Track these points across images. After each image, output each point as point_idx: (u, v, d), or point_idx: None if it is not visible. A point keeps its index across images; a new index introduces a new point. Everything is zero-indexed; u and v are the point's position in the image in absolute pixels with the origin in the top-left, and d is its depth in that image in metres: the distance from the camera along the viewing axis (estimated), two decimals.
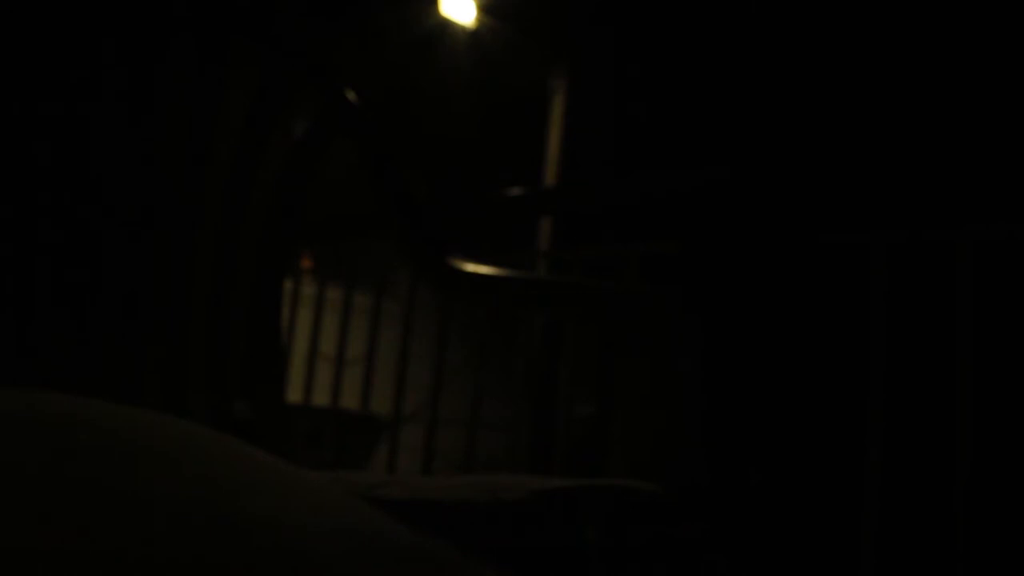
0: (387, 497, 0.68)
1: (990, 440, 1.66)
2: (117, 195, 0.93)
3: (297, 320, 2.40)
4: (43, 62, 0.89)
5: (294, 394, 2.29)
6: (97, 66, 0.92)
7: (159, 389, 0.93)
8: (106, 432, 0.31)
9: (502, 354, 3.09)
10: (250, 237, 1.03)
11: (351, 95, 1.13)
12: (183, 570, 0.24)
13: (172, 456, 0.31)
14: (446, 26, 4.51)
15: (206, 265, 0.99)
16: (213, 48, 1.01)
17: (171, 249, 0.96)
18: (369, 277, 2.40)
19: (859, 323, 1.75)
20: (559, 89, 4.16)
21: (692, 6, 4.40)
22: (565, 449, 2.13)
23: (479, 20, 4.45)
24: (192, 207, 0.98)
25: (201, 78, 0.99)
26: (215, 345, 0.98)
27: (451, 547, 0.32)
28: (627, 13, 4.58)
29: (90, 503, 0.26)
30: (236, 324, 1.01)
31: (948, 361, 1.62)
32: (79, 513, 0.25)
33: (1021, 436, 1.97)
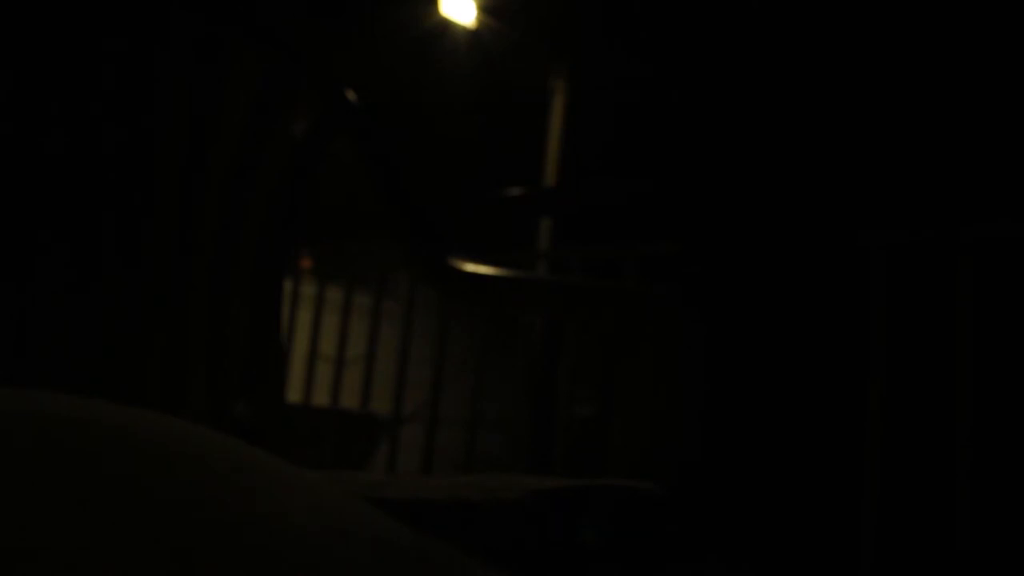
0: (387, 497, 0.68)
1: (990, 439, 1.66)
2: (116, 195, 0.93)
3: (297, 320, 2.41)
4: (43, 63, 0.89)
5: (294, 394, 2.29)
6: (97, 65, 0.92)
7: (159, 389, 0.93)
8: (106, 432, 0.31)
9: (502, 354, 3.09)
10: (250, 237, 1.03)
11: (351, 95, 1.13)
12: (183, 570, 0.24)
13: (171, 456, 0.31)
14: (446, 26, 4.51)
15: (206, 265, 0.99)
16: (212, 47, 1.01)
17: (171, 249, 0.96)
18: (369, 277, 2.41)
19: (859, 322, 1.75)
20: (559, 89, 4.16)
21: (692, 5, 4.40)
22: (565, 449, 2.13)
23: (479, 20, 4.46)
24: (192, 207, 0.98)
25: (200, 78, 0.99)
26: (215, 345, 0.98)
27: (451, 547, 0.32)
28: (627, 13, 4.59)
29: (89, 504, 0.26)
30: (236, 324, 1.01)
31: (948, 360, 1.62)
32: (78, 514, 0.25)
33: (1021, 436, 1.97)
